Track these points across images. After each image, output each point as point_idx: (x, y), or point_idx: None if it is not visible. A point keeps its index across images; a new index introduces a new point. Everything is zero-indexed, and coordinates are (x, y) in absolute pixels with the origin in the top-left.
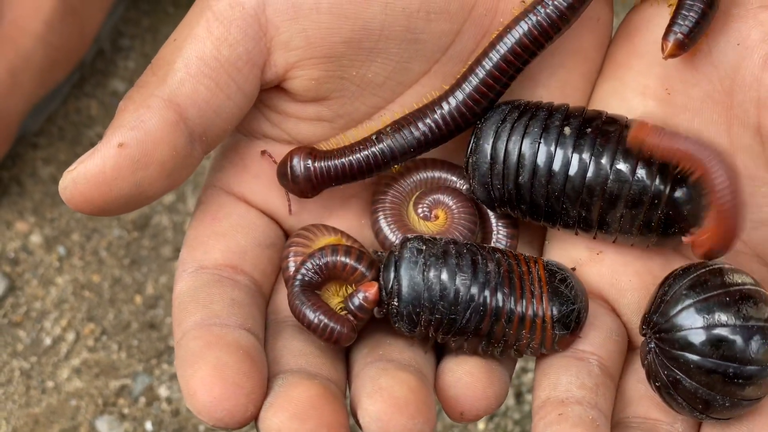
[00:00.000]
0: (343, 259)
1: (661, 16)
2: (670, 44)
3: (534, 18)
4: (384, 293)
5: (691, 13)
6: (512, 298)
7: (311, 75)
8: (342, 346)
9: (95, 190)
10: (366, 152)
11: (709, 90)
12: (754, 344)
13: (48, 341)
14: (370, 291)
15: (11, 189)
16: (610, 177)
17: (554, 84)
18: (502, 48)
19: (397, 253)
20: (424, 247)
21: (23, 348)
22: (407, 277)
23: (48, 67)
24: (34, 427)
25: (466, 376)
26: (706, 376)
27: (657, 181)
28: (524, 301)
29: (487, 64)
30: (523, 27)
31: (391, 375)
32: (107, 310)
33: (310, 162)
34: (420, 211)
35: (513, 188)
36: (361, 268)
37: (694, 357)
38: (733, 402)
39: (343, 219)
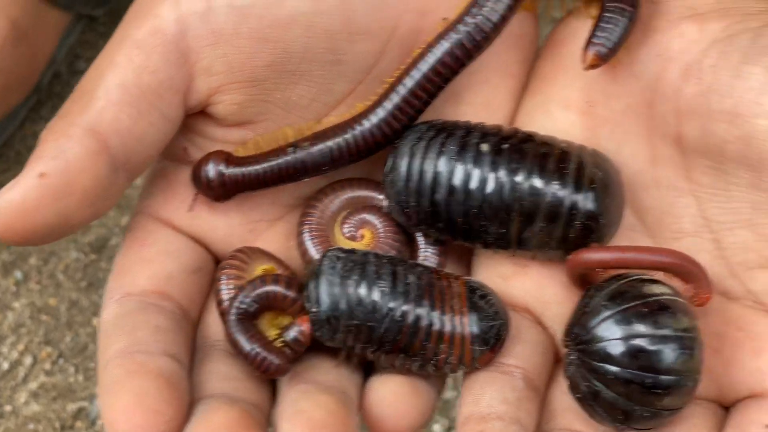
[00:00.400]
0: (281, 289)
1: (585, 29)
2: (590, 56)
3: (455, 37)
4: (307, 304)
5: (610, 25)
6: (431, 311)
7: (234, 99)
8: (277, 377)
9: (18, 220)
10: (280, 161)
11: (631, 102)
12: (671, 354)
13: (5, 366)
14: (307, 325)
15: None
16: (526, 193)
17: (479, 101)
18: (423, 67)
19: (317, 264)
20: (343, 256)
21: None
22: (325, 284)
23: (1, 92)
24: None
25: (390, 395)
26: (624, 387)
27: (571, 195)
28: (443, 315)
29: (407, 84)
30: (443, 46)
31: (310, 398)
32: (64, 333)
33: (223, 167)
34: (346, 230)
35: (429, 207)
36: (300, 299)
37: (613, 368)
38: (652, 412)
39: (271, 241)
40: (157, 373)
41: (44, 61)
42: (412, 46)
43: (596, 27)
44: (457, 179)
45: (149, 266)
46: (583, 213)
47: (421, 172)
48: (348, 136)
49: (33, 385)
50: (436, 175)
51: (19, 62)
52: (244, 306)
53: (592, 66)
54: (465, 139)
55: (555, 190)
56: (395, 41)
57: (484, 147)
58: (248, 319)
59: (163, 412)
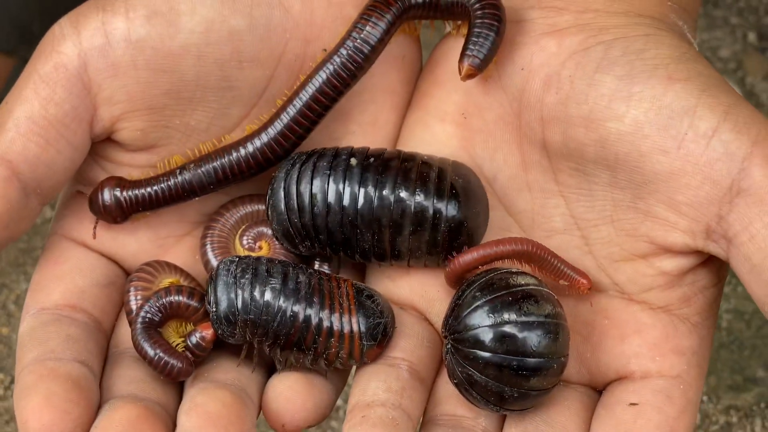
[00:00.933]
0: (184, 299)
1: (458, 49)
2: (465, 66)
3: (330, 67)
4: (207, 306)
5: (480, 39)
6: (321, 309)
7: (136, 126)
8: (181, 380)
9: None
10: (168, 183)
11: (501, 112)
12: (536, 338)
13: None
14: (207, 331)
15: None
16: (393, 205)
17: (366, 119)
18: (301, 98)
19: (215, 269)
20: (237, 260)
21: None
22: (221, 285)
23: None
24: None
25: (287, 390)
26: (494, 370)
27: (435, 204)
28: (333, 312)
29: (289, 112)
30: (320, 77)
31: (207, 393)
32: (15, 361)
33: (118, 191)
34: (245, 242)
35: (308, 225)
36: (202, 307)
37: (484, 353)
38: (521, 393)
39: (178, 256)
40: (66, 377)
41: None
42: (298, 71)
43: (468, 42)
44: (331, 196)
45: (62, 282)
46: (447, 219)
47: (298, 194)
48: (231, 158)
49: None
50: (311, 195)
51: None
52: (149, 315)
53: (469, 76)
54: (334, 159)
55: (419, 200)
56: (283, 67)
57: (353, 161)
58: (153, 327)
59: (70, 412)
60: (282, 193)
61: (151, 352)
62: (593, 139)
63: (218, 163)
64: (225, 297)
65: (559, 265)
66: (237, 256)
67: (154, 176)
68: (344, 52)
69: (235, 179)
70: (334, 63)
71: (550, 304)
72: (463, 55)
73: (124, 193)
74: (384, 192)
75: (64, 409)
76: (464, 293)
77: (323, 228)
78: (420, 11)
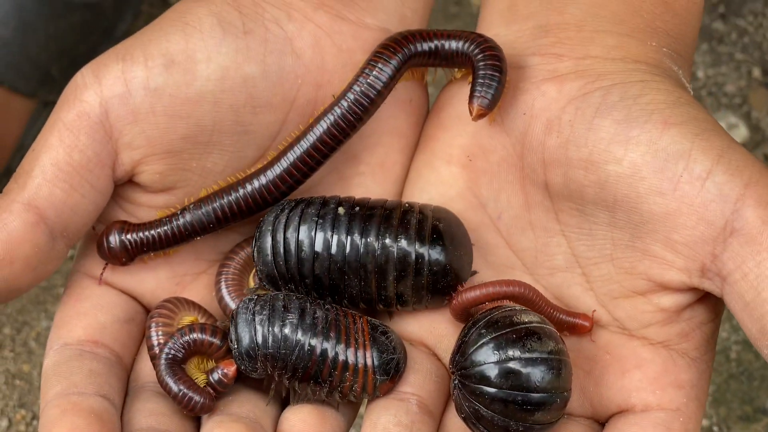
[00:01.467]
0: (207, 337)
1: (463, 93)
2: (475, 107)
3: (331, 117)
4: (230, 342)
5: (487, 80)
6: (337, 344)
7: (156, 169)
8: (202, 414)
9: None
10: (169, 225)
11: (504, 155)
12: (539, 374)
13: None
14: (230, 368)
15: None
16: (378, 252)
17: (375, 161)
18: (300, 147)
19: (236, 308)
20: (255, 298)
21: None
22: (242, 322)
23: None
24: None
25: (300, 423)
26: (500, 405)
27: (417, 248)
28: (348, 347)
29: (288, 158)
30: (322, 126)
31: (223, 426)
32: (37, 397)
33: (123, 235)
34: (257, 281)
35: (295, 270)
36: (224, 345)
37: (490, 389)
38: (526, 427)
39: (195, 292)
40: (89, 411)
41: (11, 146)
42: (310, 114)
43: (475, 84)
44: (318, 242)
45: (84, 318)
46: (430, 263)
47: (285, 239)
48: (229, 199)
49: None
50: (297, 240)
51: None
52: (172, 352)
53: (479, 116)
54: (322, 206)
55: (402, 245)
56: (295, 111)
57: (341, 210)
58: (176, 364)
59: None
60: (269, 237)
61: (174, 387)
62: (593, 181)
63: (216, 204)
64: (246, 333)
65: (555, 314)
66: (256, 295)
67: (156, 219)
68: (351, 96)
69: (234, 219)
70: (341, 107)
71: (552, 341)
72: (472, 97)
73: (129, 236)
74: (368, 239)
75: None
76: (470, 330)
77: (309, 273)
78: (424, 59)
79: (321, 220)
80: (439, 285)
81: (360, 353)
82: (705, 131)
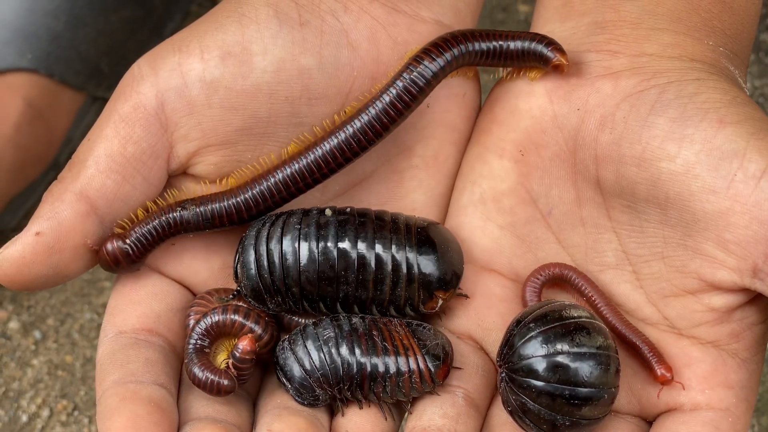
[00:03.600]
0: (228, 317)
1: (517, 89)
2: (555, 55)
3: (342, 135)
4: (280, 372)
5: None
6: (385, 353)
7: (210, 161)
8: (225, 395)
9: (16, 272)
10: (161, 220)
11: (557, 150)
12: (587, 368)
13: (24, 418)
14: (244, 343)
15: None
16: (371, 259)
17: (428, 153)
18: (300, 162)
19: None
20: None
21: (2, 425)
22: (300, 351)
23: (19, 166)
24: None
25: (356, 416)
26: (547, 399)
27: (408, 254)
28: (393, 341)
29: (286, 168)
30: (324, 147)
31: (283, 419)
32: (79, 388)
33: (120, 243)
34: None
35: (281, 280)
36: (248, 323)
37: (537, 382)
38: (572, 422)
39: None
40: (148, 400)
41: (60, 138)
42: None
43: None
44: (302, 251)
45: (139, 307)
46: (419, 268)
47: (268, 251)
48: (230, 201)
49: None
50: (281, 251)
51: (35, 139)
52: (197, 339)
53: (560, 62)
54: (304, 215)
55: (393, 252)
56: (349, 104)
57: (328, 211)
58: (202, 350)
59: None
60: (252, 251)
61: (198, 373)
62: (645, 178)
63: (218, 205)
64: (298, 362)
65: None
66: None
67: (144, 218)
68: (400, 84)
69: (231, 223)
70: (390, 94)
71: (601, 336)
72: (546, 56)
73: (127, 242)
74: (357, 245)
75: (148, 431)
76: (518, 324)
77: (295, 283)
78: (481, 58)
79: (305, 229)
80: (433, 289)
81: (406, 341)
82: (761, 131)
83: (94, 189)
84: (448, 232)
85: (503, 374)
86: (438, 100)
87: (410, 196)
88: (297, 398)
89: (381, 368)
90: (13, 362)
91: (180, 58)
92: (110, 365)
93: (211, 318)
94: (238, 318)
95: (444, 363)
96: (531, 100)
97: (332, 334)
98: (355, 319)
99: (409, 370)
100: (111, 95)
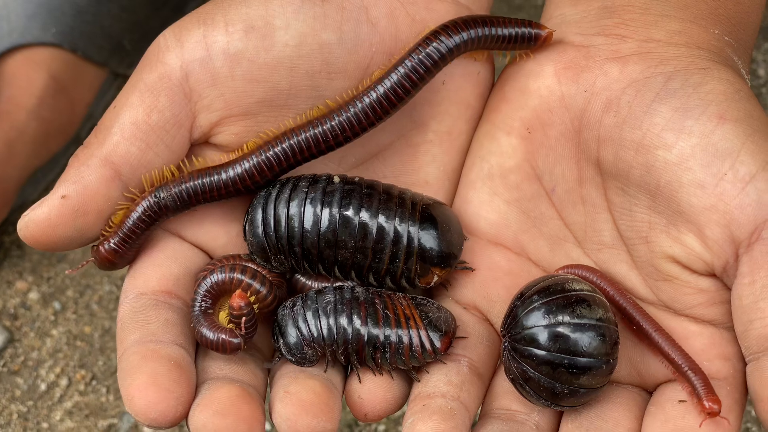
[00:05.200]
0: (231, 275)
1: (527, 69)
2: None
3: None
4: (275, 342)
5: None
6: (384, 308)
7: (232, 131)
8: (233, 353)
9: (42, 233)
10: (140, 211)
11: (562, 129)
12: (587, 339)
13: (43, 387)
14: (234, 299)
15: (12, 252)
16: (373, 228)
17: (443, 129)
18: (281, 143)
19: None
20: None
21: (21, 393)
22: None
23: (42, 139)
24: None
25: (369, 382)
26: (547, 367)
27: (411, 228)
28: (396, 310)
29: (267, 149)
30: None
31: (299, 382)
32: (97, 358)
33: (107, 244)
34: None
35: (286, 243)
36: (246, 279)
37: (538, 351)
38: (571, 390)
39: None
40: (168, 359)
41: (82, 112)
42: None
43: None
44: (308, 216)
45: (159, 269)
46: (420, 242)
47: (275, 213)
48: (206, 180)
49: (68, 404)
50: (288, 213)
51: (58, 112)
52: (200, 299)
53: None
54: (313, 181)
55: (395, 224)
56: (368, 78)
57: (336, 178)
58: (206, 310)
59: (173, 390)
60: (260, 211)
61: (204, 332)
62: (640, 163)
63: (196, 182)
64: (293, 320)
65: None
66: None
67: (125, 213)
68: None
69: (213, 198)
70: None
71: (601, 309)
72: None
73: (112, 242)
74: (361, 215)
75: (167, 388)
76: (522, 296)
77: (298, 244)
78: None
79: (312, 194)
80: (429, 265)
81: (407, 311)
82: (757, 132)
83: (118, 155)
84: (453, 213)
85: (506, 343)
86: (453, 78)
87: (423, 170)
88: (286, 354)
89: (380, 336)
90: (32, 332)
91: (205, 31)
92: (131, 325)
93: (213, 277)
94: (237, 276)
95: (446, 335)
96: (540, 80)
97: (331, 299)
98: (358, 289)
99: (410, 339)
100: (132, 72)
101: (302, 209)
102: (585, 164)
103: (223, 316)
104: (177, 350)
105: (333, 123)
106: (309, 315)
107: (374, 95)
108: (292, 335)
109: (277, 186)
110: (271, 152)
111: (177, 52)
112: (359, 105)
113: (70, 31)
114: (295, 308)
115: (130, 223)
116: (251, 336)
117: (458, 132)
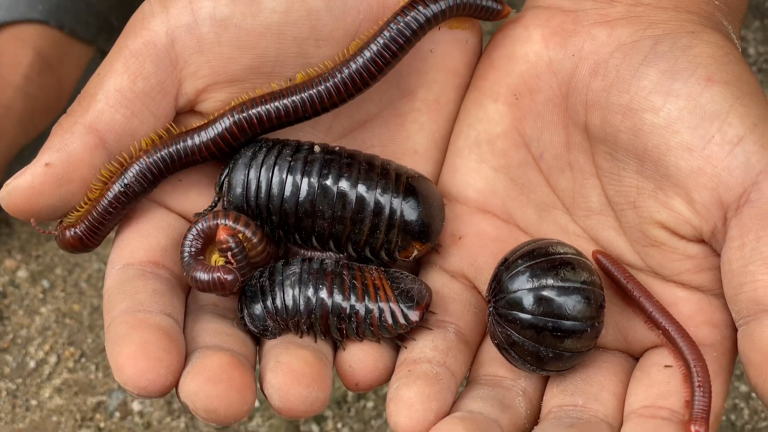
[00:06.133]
0: (218, 221)
1: (515, 35)
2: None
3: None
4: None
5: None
6: (351, 278)
7: (218, 98)
8: (230, 290)
9: (25, 201)
10: (109, 197)
11: (550, 95)
12: (571, 302)
13: (32, 364)
14: (220, 233)
15: (0, 230)
16: (352, 198)
17: (431, 97)
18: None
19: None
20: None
21: (10, 371)
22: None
23: (28, 116)
24: None
25: (360, 352)
26: (531, 331)
27: (394, 200)
28: (365, 281)
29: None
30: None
31: (290, 352)
32: (86, 335)
33: (73, 230)
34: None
35: (264, 206)
36: (230, 222)
37: (522, 315)
38: (556, 353)
39: None
40: (157, 327)
41: (69, 90)
42: None
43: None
44: (288, 184)
45: (146, 240)
46: (402, 215)
47: (258, 178)
48: (165, 152)
49: (57, 382)
50: (269, 179)
51: (45, 89)
52: (189, 246)
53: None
54: (297, 149)
55: (377, 195)
56: (347, 49)
57: (316, 149)
58: (196, 255)
59: (163, 359)
60: (242, 172)
61: (197, 274)
62: (628, 127)
63: (154, 157)
64: (255, 292)
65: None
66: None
67: (92, 201)
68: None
69: (170, 172)
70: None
71: (586, 272)
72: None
73: (79, 227)
74: (341, 184)
75: (157, 357)
76: (507, 260)
77: (277, 211)
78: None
79: (293, 162)
80: (410, 238)
81: (377, 281)
82: (746, 95)
83: (103, 123)
84: (436, 189)
85: (491, 308)
86: (441, 46)
87: (412, 138)
88: (249, 325)
89: (346, 306)
90: (21, 310)
91: None
92: (118, 295)
93: (200, 225)
94: (225, 221)
95: (418, 306)
96: (527, 45)
97: (296, 270)
98: (327, 261)
99: (380, 310)
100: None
101: (283, 177)
102: (573, 130)
103: (214, 259)
104: (166, 320)
105: (296, 98)
106: (274, 287)
107: (347, 71)
108: (255, 307)
109: (263, 149)
110: (237, 117)
111: (162, 18)
112: (324, 84)
113: (57, 8)
114: (262, 279)
115: (97, 213)
116: (246, 274)
117: (446, 100)
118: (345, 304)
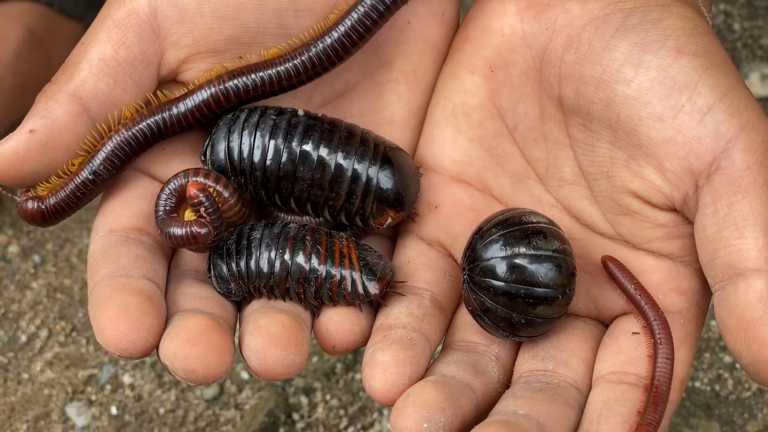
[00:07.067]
0: (192, 178)
1: (490, 9)
2: None
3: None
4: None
5: None
6: (314, 244)
7: (200, 68)
8: (204, 244)
9: (10, 167)
10: (81, 177)
11: (525, 68)
12: (542, 269)
13: (23, 338)
14: (189, 189)
15: None
16: (331, 163)
17: (408, 68)
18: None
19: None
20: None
21: (1, 345)
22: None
23: (18, 93)
24: (11, 414)
25: (337, 315)
26: (503, 297)
27: (371, 168)
28: (331, 247)
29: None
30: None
31: (268, 316)
32: (77, 310)
33: (40, 202)
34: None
35: (248, 167)
36: (206, 181)
37: (496, 282)
38: (528, 320)
39: None
40: (138, 291)
41: (58, 67)
42: None
43: None
44: (270, 146)
45: (129, 207)
46: (378, 183)
47: (241, 139)
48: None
49: (48, 355)
50: (251, 143)
51: (35, 66)
52: (163, 204)
53: None
54: (280, 113)
55: (355, 163)
56: (322, 22)
57: (300, 112)
58: (171, 213)
59: (143, 321)
60: (225, 135)
61: (172, 230)
62: (601, 99)
63: (125, 136)
64: (220, 255)
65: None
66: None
67: (66, 178)
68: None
69: (151, 144)
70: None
71: (558, 241)
72: None
73: (49, 200)
74: (322, 149)
75: (137, 319)
76: (481, 229)
77: (260, 173)
78: None
79: (276, 126)
80: (384, 206)
81: (344, 249)
82: (715, 66)
83: (86, 91)
84: (412, 161)
85: (466, 276)
86: (418, 17)
87: (390, 108)
88: (216, 286)
89: (306, 269)
90: (12, 285)
91: None
92: (102, 260)
93: (172, 183)
94: (191, 177)
95: (380, 280)
96: (503, 18)
97: (258, 236)
98: (291, 225)
99: (341, 276)
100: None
101: (266, 139)
102: (547, 101)
103: (188, 216)
104: (147, 284)
105: (273, 70)
106: (238, 249)
107: (328, 40)
108: (220, 269)
109: (245, 112)
110: (214, 89)
111: None
112: (303, 55)
113: None
114: (229, 242)
115: (64, 195)
116: (219, 230)
117: (423, 71)
118: (306, 267)
